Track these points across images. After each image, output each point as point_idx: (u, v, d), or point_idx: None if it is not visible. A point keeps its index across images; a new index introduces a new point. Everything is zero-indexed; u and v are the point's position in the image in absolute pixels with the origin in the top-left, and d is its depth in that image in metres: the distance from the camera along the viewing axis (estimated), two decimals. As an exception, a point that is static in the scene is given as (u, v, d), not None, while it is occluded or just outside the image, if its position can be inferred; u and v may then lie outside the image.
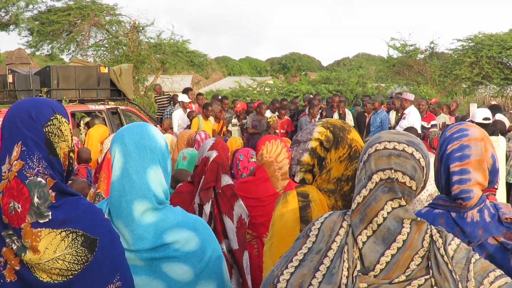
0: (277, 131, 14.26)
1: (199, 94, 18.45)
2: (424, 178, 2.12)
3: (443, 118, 14.69)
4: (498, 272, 1.98)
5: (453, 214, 2.61)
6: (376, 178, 2.05)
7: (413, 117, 12.77)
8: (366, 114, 15.52)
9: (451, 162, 2.64)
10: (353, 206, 2.10)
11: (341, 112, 15.86)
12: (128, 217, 2.36)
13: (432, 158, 3.49)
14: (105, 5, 25.93)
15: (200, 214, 4.58)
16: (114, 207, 2.39)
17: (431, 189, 3.39)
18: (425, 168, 2.11)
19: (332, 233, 2.11)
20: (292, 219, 2.82)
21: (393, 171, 2.04)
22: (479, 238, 2.54)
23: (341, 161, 2.85)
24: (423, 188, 2.16)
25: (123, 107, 13.71)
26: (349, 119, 15.76)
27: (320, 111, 15.71)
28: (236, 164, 5.85)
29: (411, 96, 13.41)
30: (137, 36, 26.16)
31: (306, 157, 2.93)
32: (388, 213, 2.00)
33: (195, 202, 4.65)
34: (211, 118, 13.92)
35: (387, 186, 2.03)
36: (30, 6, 24.52)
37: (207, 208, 4.61)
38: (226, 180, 4.77)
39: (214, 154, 4.74)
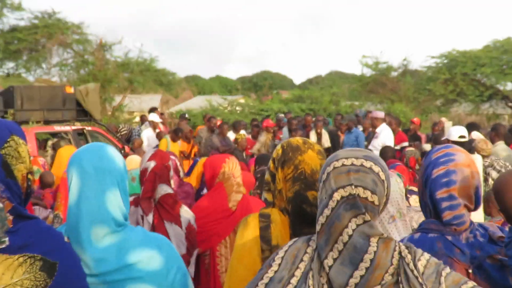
0: (249, 150, 14.25)
1: (161, 113, 18.41)
2: (385, 192, 2.12)
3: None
4: (470, 284, 1.99)
5: (449, 238, 2.61)
6: (337, 196, 2.05)
7: (385, 136, 12.68)
8: (339, 133, 15.55)
9: (438, 188, 2.65)
10: (317, 227, 2.09)
11: (318, 131, 15.71)
12: (86, 241, 2.33)
13: (394, 177, 3.53)
14: (70, 23, 25.85)
15: (145, 225, 4.70)
16: (72, 231, 2.36)
17: (392, 210, 3.38)
18: (385, 181, 2.11)
19: (295, 260, 2.11)
20: (251, 237, 2.85)
21: (353, 186, 2.04)
22: (478, 258, 2.55)
23: (287, 181, 2.85)
24: (385, 203, 2.16)
25: (89, 128, 13.60)
26: (325, 139, 15.67)
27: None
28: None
29: (380, 114, 13.31)
30: (104, 54, 26.11)
31: (266, 175, 2.99)
32: (353, 230, 1.99)
33: (138, 214, 4.76)
34: (179, 140, 13.90)
35: (349, 203, 2.02)
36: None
37: (150, 218, 4.72)
38: (165, 189, 4.87)
39: (152, 164, 4.85)
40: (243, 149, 13.38)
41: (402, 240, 2.72)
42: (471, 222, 2.65)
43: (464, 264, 2.56)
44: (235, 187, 4.82)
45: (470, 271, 2.56)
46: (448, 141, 9.01)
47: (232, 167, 4.92)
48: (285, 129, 15.99)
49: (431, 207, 2.70)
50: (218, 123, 15.45)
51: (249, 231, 2.87)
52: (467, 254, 2.56)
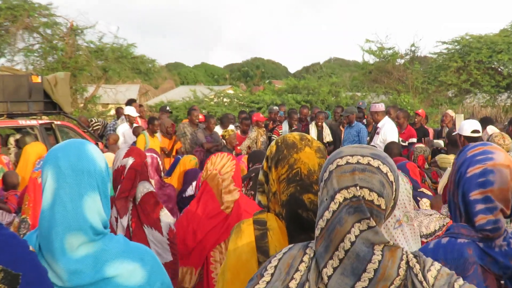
0: (239, 146, 14.15)
1: (140, 105, 18.31)
2: (394, 195, 2.10)
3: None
4: None
5: (481, 244, 2.59)
6: (339, 197, 2.02)
7: (388, 130, 12.57)
8: (341, 128, 15.45)
9: (472, 189, 2.63)
10: (316, 232, 2.07)
11: (319, 124, 15.48)
12: (59, 250, 2.32)
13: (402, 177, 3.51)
14: (37, 4, 25.70)
15: (118, 228, 4.69)
16: (44, 239, 2.34)
17: (398, 214, 3.37)
18: (394, 183, 2.09)
19: (290, 270, 2.10)
20: (247, 250, 2.80)
21: (358, 188, 2.01)
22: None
23: (280, 182, 2.82)
24: (393, 208, 2.14)
25: (58, 122, 13.52)
26: (327, 134, 15.43)
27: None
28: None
29: (380, 106, 13.10)
30: (75, 39, 26.00)
31: (260, 175, 2.95)
32: (356, 236, 1.97)
33: (112, 216, 4.70)
34: (158, 134, 13.76)
35: (353, 206, 2.00)
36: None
37: (124, 221, 4.71)
38: (147, 187, 4.89)
39: (130, 160, 4.84)
40: (232, 146, 13.30)
41: (427, 246, 2.73)
42: (505, 229, 2.63)
43: (496, 274, 2.56)
44: (223, 186, 4.80)
45: (502, 282, 2.56)
46: (459, 136, 8.99)
47: (216, 162, 4.90)
48: (285, 124, 15.73)
49: (462, 209, 2.68)
50: (201, 116, 15.28)
51: (244, 240, 2.82)
52: (500, 263, 2.55)
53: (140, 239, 4.62)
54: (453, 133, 10.36)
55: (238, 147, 14.15)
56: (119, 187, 4.82)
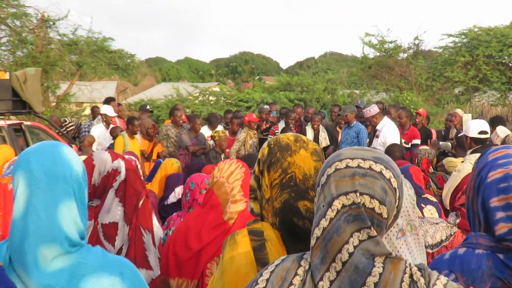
0: (228, 149, 14.08)
1: (118, 104, 18.23)
2: (397, 203, 2.09)
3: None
4: None
5: (501, 256, 2.56)
6: (337, 204, 2.02)
7: (388, 132, 12.55)
8: (338, 129, 15.42)
9: (493, 195, 2.60)
10: (312, 242, 2.07)
11: (315, 127, 15.51)
12: (32, 264, 2.30)
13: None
14: (5, -7, 25.63)
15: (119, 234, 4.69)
16: (16, 251, 2.33)
17: (401, 222, 3.37)
18: (397, 190, 2.08)
19: (283, 283, 2.10)
20: (245, 262, 2.76)
21: (358, 194, 2.00)
22: None
23: (273, 188, 2.81)
24: (396, 217, 2.14)
25: (28, 123, 13.48)
26: (323, 138, 15.47)
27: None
28: (185, 193, 5.86)
29: (373, 109, 13.03)
30: (47, 32, 25.93)
31: (252, 181, 2.94)
32: (355, 247, 1.96)
33: (98, 222, 4.72)
34: (138, 136, 13.69)
35: (352, 213, 1.99)
36: None
37: (126, 227, 4.72)
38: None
39: (122, 163, 4.83)
40: (222, 149, 13.22)
41: (442, 256, 2.71)
42: None
43: None
44: (231, 196, 4.79)
45: None
46: (465, 137, 8.99)
47: (224, 169, 4.90)
48: (281, 124, 15.59)
49: (481, 217, 2.66)
50: (184, 116, 15.14)
51: (240, 253, 2.78)
52: None
53: (139, 245, 4.66)
54: (460, 134, 10.35)
55: (227, 150, 14.07)
56: (125, 194, 4.81)
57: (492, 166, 2.65)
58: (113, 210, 4.80)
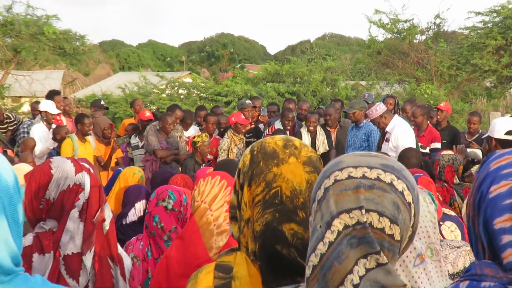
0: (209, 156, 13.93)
1: (64, 98, 18.12)
2: (412, 222, 2.06)
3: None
4: None
5: None
6: (338, 224, 1.96)
7: (400, 133, 12.26)
8: (329, 128, 15.36)
9: (497, 214, 2.47)
10: (307, 272, 2.02)
11: (311, 129, 15.14)
12: None
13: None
14: None
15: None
16: None
17: (419, 245, 3.33)
18: (412, 205, 2.05)
19: None
20: None
21: (363, 211, 1.95)
22: None
23: (255, 206, 2.67)
24: (411, 238, 2.11)
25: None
26: (321, 141, 15.13)
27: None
28: (151, 216, 5.82)
29: (380, 108, 12.77)
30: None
31: (232, 196, 2.83)
32: (360, 277, 1.90)
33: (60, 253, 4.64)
34: (91, 138, 13.56)
35: (356, 235, 1.94)
36: None
37: (90, 257, 4.62)
38: (110, 211, 4.87)
39: (87, 178, 4.76)
40: (204, 156, 13.01)
41: None
42: None
43: None
44: (215, 226, 4.67)
45: None
46: (490, 139, 8.97)
47: (204, 192, 4.72)
48: (277, 124, 15.33)
49: (485, 242, 2.56)
50: (147, 113, 14.95)
51: None
52: None
53: (107, 280, 4.62)
54: (483, 136, 10.29)
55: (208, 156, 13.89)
56: (86, 210, 4.75)
57: (495, 177, 2.50)
58: (78, 238, 4.71)
